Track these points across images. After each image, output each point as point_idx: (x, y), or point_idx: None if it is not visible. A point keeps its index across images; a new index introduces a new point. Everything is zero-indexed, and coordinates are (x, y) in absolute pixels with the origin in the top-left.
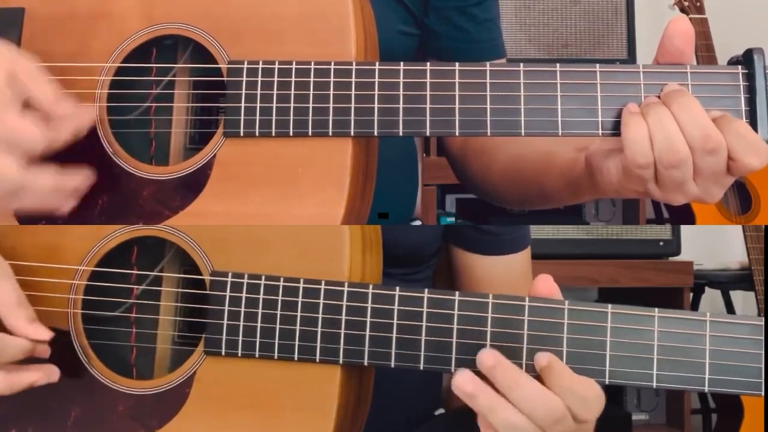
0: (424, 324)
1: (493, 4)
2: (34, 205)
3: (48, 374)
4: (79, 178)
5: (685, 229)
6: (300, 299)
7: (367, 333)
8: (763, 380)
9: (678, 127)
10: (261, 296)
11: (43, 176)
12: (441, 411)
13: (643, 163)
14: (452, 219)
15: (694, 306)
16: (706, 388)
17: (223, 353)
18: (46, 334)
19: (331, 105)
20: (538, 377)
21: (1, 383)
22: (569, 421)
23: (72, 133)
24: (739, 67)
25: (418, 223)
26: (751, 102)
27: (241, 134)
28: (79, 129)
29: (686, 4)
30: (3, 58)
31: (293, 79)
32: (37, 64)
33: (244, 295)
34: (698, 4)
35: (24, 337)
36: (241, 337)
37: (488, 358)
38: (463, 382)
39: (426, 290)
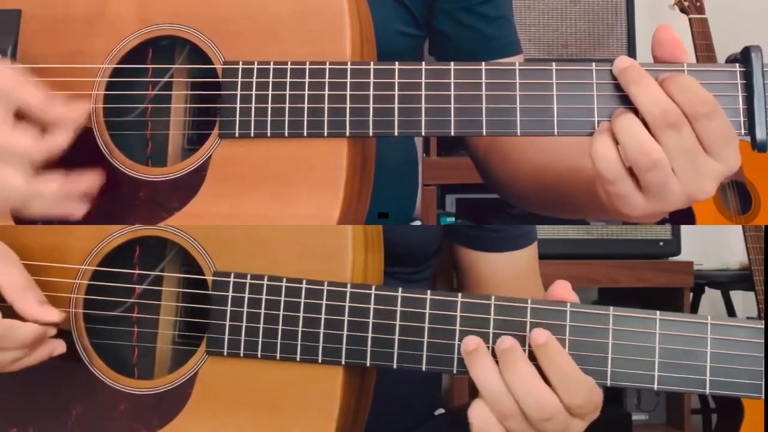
0: (426, 325)
1: (502, 1)
2: (45, 213)
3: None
4: (86, 182)
5: (685, 229)
6: (302, 300)
7: (370, 334)
8: (763, 383)
9: (645, 129)
10: (263, 296)
11: (49, 184)
12: (441, 411)
13: (612, 178)
14: (452, 219)
15: (694, 306)
16: (707, 391)
17: (225, 353)
18: (57, 316)
19: (326, 105)
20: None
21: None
22: (562, 417)
23: (70, 134)
24: (737, 65)
25: (418, 223)
26: (749, 100)
27: (237, 135)
28: (77, 126)
29: (686, 4)
30: None
31: (288, 79)
32: (21, 67)
33: (246, 295)
34: (698, 4)
35: (35, 320)
36: (243, 338)
37: (505, 340)
38: (468, 340)
39: (429, 291)
